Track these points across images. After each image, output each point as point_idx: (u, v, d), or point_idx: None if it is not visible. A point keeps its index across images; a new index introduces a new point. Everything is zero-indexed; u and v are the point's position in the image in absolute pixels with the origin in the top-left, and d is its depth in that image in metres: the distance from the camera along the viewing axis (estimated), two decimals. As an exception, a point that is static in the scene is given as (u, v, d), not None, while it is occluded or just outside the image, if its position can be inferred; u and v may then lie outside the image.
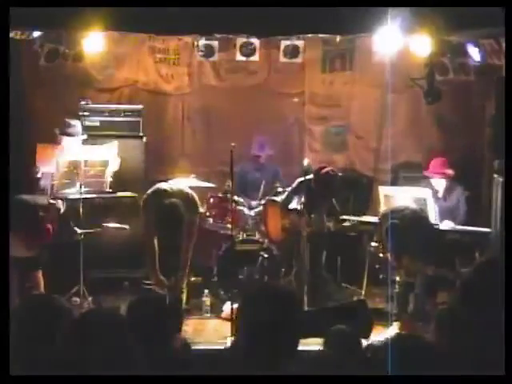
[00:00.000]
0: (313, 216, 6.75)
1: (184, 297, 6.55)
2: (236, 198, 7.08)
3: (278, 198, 7.17)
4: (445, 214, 6.96)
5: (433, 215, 6.73)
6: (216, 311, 6.79)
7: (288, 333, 2.20)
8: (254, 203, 7.43)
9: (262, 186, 7.43)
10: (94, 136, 7.36)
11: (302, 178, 6.78)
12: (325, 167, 6.87)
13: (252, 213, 7.32)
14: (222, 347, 5.29)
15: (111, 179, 6.95)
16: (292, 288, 6.25)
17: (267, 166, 7.86)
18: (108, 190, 6.92)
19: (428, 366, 2.17)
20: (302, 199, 6.68)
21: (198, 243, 6.50)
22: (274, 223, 7.19)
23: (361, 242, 7.43)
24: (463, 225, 6.93)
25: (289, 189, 7.03)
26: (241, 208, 7.27)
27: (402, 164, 8.17)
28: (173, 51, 8.28)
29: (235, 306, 5.61)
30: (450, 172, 7.16)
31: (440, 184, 7.19)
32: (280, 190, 7.32)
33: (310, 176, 6.82)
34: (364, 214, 7.45)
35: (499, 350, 1.77)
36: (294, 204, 6.91)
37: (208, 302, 6.80)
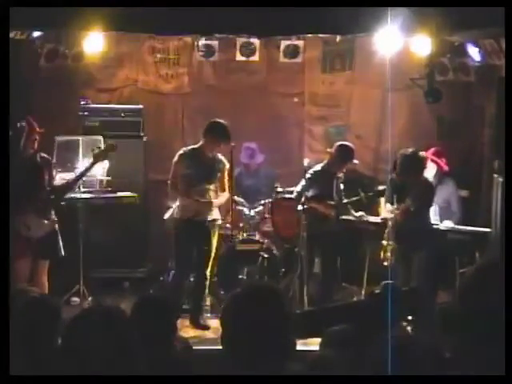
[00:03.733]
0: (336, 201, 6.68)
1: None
2: (236, 198, 7.08)
3: (291, 195, 7.06)
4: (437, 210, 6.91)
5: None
6: (216, 311, 6.79)
7: (277, 333, 2.19)
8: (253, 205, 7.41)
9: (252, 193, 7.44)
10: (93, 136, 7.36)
11: (316, 168, 6.80)
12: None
13: (252, 213, 7.30)
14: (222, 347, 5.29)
15: (109, 178, 6.94)
16: (277, 287, 6.21)
17: (262, 171, 7.83)
18: (108, 189, 6.92)
19: (428, 365, 2.17)
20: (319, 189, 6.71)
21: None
22: (285, 219, 7.13)
23: (361, 241, 7.42)
24: (459, 223, 6.89)
25: (302, 181, 6.86)
26: (241, 208, 7.26)
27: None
28: (173, 51, 8.27)
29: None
30: (443, 163, 7.03)
31: (430, 172, 6.89)
32: (280, 189, 7.28)
33: (323, 165, 6.84)
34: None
35: (499, 350, 1.77)
36: (311, 193, 6.80)
37: (208, 302, 6.81)
